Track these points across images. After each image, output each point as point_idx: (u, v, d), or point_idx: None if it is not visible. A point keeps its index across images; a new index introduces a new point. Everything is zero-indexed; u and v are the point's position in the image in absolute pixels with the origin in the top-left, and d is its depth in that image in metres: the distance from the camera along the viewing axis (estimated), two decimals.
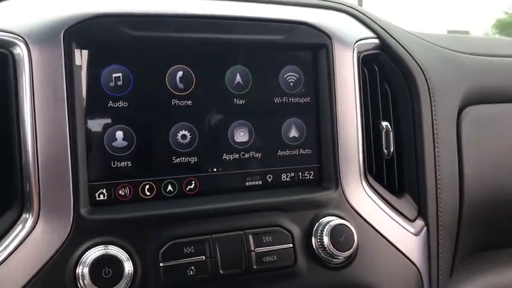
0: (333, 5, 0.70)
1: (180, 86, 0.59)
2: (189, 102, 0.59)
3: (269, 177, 0.64)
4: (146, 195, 0.58)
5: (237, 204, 0.59)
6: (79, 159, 0.54)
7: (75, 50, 0.54)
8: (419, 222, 0.70)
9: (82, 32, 0.54)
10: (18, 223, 0.52)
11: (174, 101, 0.59)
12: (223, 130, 0.61)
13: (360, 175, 0.66)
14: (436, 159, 0.72)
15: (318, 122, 0.66)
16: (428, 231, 0.71)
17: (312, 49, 0.65)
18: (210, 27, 0.60)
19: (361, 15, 0.71)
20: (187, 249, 0.56)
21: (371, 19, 0.72)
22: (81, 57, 0.55)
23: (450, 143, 0.74)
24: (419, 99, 0.71)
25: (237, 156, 0.62)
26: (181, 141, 0.59)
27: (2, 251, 0.50)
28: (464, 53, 0.85)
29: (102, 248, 0.52)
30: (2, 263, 0.50)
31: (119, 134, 0.57)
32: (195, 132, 0.60)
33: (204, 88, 0.60)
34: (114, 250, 0.52)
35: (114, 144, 0.56)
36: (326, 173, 0.65)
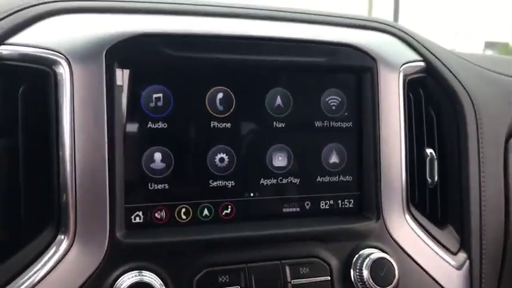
0: (378, 25, 0.68)
1: (220, 108, 0.58)
2: (228, 125, 0.58)
3: (307, 204, 0.61)
4: (182, 219, 0.57)
5: (274, 233, 0.57)
6: (117, 181, 0.52)
7: (117, 69, 0.53)
8: (462, 255, 0.67)
9: (124, 51, 0.53)
10: (53, 245, 0.51)
11: (213, 123, 0.57)
12: (262, 154, 0.60)
13: (403, 205, 0.63)
14: (481, 189, 0.68)
15: (360, 148, 0.63)
16: (471, 264, 0.67)
17: (356, 72, 0.63)
18: (252, 49, 0.58)
19: (408, 36, 0.68)
20: (222, 278, 0.54)
21: (417, 41, 0.69)
22: (122, 77, 0.54)
23: (497, 173, 0.71)
24: (465, 126, 0.68)
25: (274, 181, 0.60)
26: (219, 164, 0.58)
27: (35, 273, 0.49)
28: None
29: (137, 274, 0.51)
30: (35, 286, 0.49)
31: (157, 156, 0.55)
32: (233, 156, 0.58)
33: (244, 110, 0.59)
34: (149, 277, 0.51)
35: (152, 165, 0.55)
36: (367, 202, 0.63)
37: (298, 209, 0.61)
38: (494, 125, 0.72)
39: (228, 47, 0.57)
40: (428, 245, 0.64)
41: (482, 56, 1.02)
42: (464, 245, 0.67)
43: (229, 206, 0.58)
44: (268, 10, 0.63)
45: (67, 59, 0.51)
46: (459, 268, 0.66)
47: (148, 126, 0.55)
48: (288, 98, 0.60)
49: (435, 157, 0.66)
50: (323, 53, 0.60)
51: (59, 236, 0.51)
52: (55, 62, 0.51)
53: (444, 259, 0.65)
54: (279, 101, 0.60)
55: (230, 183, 0.58)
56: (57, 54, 0.51)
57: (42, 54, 0.51)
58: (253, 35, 0.58)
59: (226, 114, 0.58)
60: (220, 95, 0.58)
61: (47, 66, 0.52)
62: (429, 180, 0.66)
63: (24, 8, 0.54)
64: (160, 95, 0.55)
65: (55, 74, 0.52)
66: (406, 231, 0.63)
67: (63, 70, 0.51)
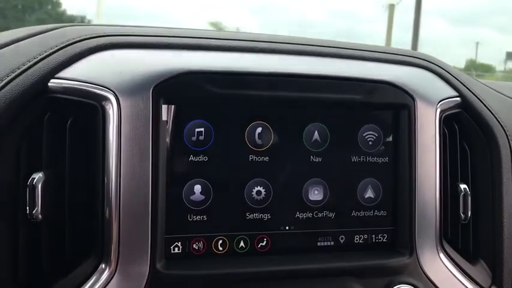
0: (415, 61, 0.68)
1: (259, 142, 0.59)
2: (266, 158, 0.59)
3: (341, 238, 0.62)
4: (219, 250, 0.58)
5: (309, 267, 0.58)
6: (159, 212, 0.54)
7: (163, 105, 0.55)
8: None
9: (170, 88, 0.55)
10: (95, 273, 0.52)
11: (252, 157, 0.59)
12: (298, 187, 0.60)
13: (436, 241, 0.63)
14: None
15: (396, 183, 0.64)
16: None
17: (393, 109, 0.63)
18: (290, 85, 0.59)
19: (444, 72, 0.69)
20: None
21: (454, 76, 0.69)
22: (167, 112, 0.55)
23: None
24: (500, 162, 0.68)
25: (310, 215, 0.61)
26: (256, 197, 0.59)
27: None
28: None
29: None
30: None
31: (197, 188, 0.57)
32: (270, 189, 0.59)
33: (282, 144, 0.60)
34: None
35: (192, 197, 0.57)
36: (401, 237, 0.63)
37: (332, 243, 0.62)
38: None
39: (269, 84, 0.58)
40: (460, 281, 0.64)
41: None
42: (496, 280, 0.67)
43: (265, 239, 0.59)
44: (305, 45, 0.64)
45: (115, 94, 0.53)
46: None
47: (190, 159, 0.57)
48: (325, 133, 0.61)
49: (469, 192, 0.66)
50: (360, 91, 0.61)
51: (101, 265, 0.53)
52: (103, 97, 0.53)
53: None
54: (316, 135, 0.61)
55: (266, 216, 0.59)
56: (106, 89, 0.53)
57: (91, 89, 0.53)
58: (292, 73, 0.59)
59: (264, 148, 0.59)
60: (259, 130, 0.59)
61: (96, 100, 0.53)
62: (462, 216, 0.66)
63: (75, 42, 0.56)
64: (202, 129, 0.57)
65: (103, 109, 0.53)
66: (439, 267, 0.63)
67: (111, 105, 0.53)
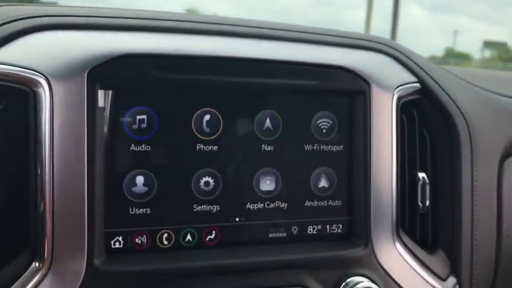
0: (373, 45, 0.65)
1: (207, 130, 0.56)
2: (215, 148, 0.56)
3: (294, 229, 0.60)
4: (164, 245, 0.55)
5: (259, 260, 0.56)
6: (96, 206, 0.51)
7: (99, 90, 0.51)
8: (452, 280, 0.65)
9: (107, 72, 0.51)
10: (26, 273, 0.49)
11: (199, 146, 0.56)
12: (249, 177, 0.58)
13: (392, 231, 0.62)
14: (473, 213, 0.67)
15: (351, 172, 0.61)
16: None
17: (348, 95, 0.61)
18: (240, 70, 0.56)
19: (403, 57, 0.66)
20: None
21: (413, 61, 0.67)
22: (104, 98, 0.52)
23: (489, 197, 0.69)
24: (459, 149, 0.66)
25: (261, 205, 0.58)
26: (204, 188, 0.56)
27: None
28: (509, 97, 0.80)
29: None
30: None
31: (139, 179, 0.54)
32: (219, 179, 0.56)
33: (232, 133, 0.57)
34: None
35: (133, 189, 0.53)
36: (356, 228, 0.61)
37: (284, 234, 0.59)
38: (489, 147, 0.70)
39: (216, 68, 0.55)
40: (417, 272, 0.63)
41: (479, 72, 1.00)
42: (455, 270, 0.66)
43: (214, 231, 0.57)
44: (256, 27, 0.61)
45: (47, 78, 0.49)
46: None
47: (131, 149, 0.53)
48: (278, 121, 0.58)
49: (427, 181, 0.65)
50: (314, 76, 0.58)
51: (33, 263, 0.49)
52: (35, 82, 0.49)
53: (433, 285, 0.63)
54: (268, 123, 0.58)
55: (215, 208, 0.56)
56: (37, 73, 0.49)
57: (21, 74, 0.49)
58: (242, 57, 0.56)
59: (213, 137, 0.56)
60: (207, 117, 0.56)
61: (26, 86, 0.50)
62: (420, 205, 0.64)
63: (5, 23, 0.52)
64: (144, 116, 0.53)
65: (35, 95, 0.50)
66: (395, 258, 0.62)
67: (42, 91, 0.49)
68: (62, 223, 0.49)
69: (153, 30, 0.55)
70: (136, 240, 0.54)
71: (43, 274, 0.49)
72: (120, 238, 0.53)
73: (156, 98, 0.54)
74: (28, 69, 0.49)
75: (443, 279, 0.65)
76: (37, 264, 0.49)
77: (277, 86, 0.58)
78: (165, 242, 0.55)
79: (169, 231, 0.55)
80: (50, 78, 0.49)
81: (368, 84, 0.60)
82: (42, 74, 0.49)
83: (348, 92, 0.61)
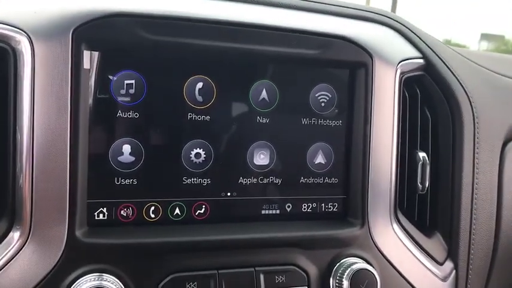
0: (376, 17, 0.62)
1: (199, 98, 0.53)
2: (207, 118, 0.53)
3: (288, 207, 0.57)
4: (150, 218, 0.52)
5: (250, 237, 0.53)
6: (79, 174, 0.48)
7: (84, 51, 0.48)
8: (448, 265, 0.63)
9: (93, 32, 0.48)
10: (4, 241, 0.46)
11: (191, 115, 0.52)
12: (242, 151, 0.55)
13: (390, 211, 0.59)
14: (473, 196, 0.64)
15: (349, 149, 0.59)
16: (457, 275, 0.64)
17: (349, 67, 0.58)
18: (237, 36, 0.53)
19: (407, 30, 0.63)
20: (190, 285, 0.50)
21: (417, 35, 0.64)
22: (90, 60, 0.48)
23: (490, 180, 0.67)
24: (462, 129, 0.64)
25: (254, 180, 0.55)
26: (195, 160, 0.53)
27: None
28: None
29: (96, 277, 0.47)
30: None
31: (126, 148, 0.51)
32: (211, 151, 0.53)
33: (225, 103, 0.54)
34: (109, 281, 0.47)
35: (119, 158, 0.50)
36: (352, 207, 0.58)
37: (278, 211, 0.57)
38: (492, 128, 0.68)
39: (211, 32, 0.52)
40: (413, 254, 0.60)
41: (484, 54, 0.97)
42: (452, 254, 0.64)
43: (203, 206, 0.54)
44: None
45: (29, 36, 0.46)
46: (444, 279, 0.62)
47: (118, 115, 0.50)
48: (274, 92, 0.55)
49: (428, 161, 0.62)
50: (315, 45, 0.55)
51: (11, 233, 0.46)
52: (15, 39, 0.46)
53: (430, 269, 0.61)
54: (264, 94, 0.55)
55: (206, 181, 0.54)
56: (17, 30, 0.46)
57: (0, 30, 0.46)
58: (239, 21, 0.53)
59: (205, 106, 0.53)
60: (199, 85, 0.53)
61: (5, 43, 0.46)
62: (420, 186, 0.62)
63: None
64: (133, 81, 0.50)
65: (14, 53, 0.46)
66: (392, 239, 0.59)
67: (23, 48, 0.46)
68: (41, 190, 0.46)
69: None
70: (122, 212, 0.51)
71: (22, 242, 0.46)
72: (105, 209, 0.50)
73: (146, 62, 0.51)
74: (7, 25, 0.46)
75: (440, 264, 0.63)
76: (16, 233, 0.46)
77: (274, 55, 0.54)
78: (152, 216, 0.52)
79: (156, 204, 0.52)
80: (31, 36, 0.46)
81: (371, 56, 0.57)
82: (23, 31, 0.46)
83: (350, 64, 0.58)
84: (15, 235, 0.46)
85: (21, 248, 0.46)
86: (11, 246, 0.46)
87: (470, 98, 0.65)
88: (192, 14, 0.51)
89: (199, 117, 0.53)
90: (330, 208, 0.59)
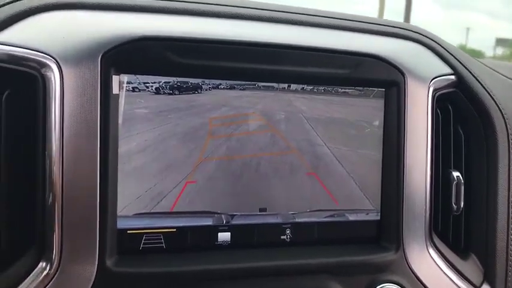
0: (406, 33, 0.61)
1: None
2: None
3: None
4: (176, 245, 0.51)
5: (280, 264, 0.51)
6: (109, 202, 0.47)
7: (113, 76, 0.47)
8: None
9: (122, 56, 0.47)
10: (33, 273, 0.45)
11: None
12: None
13: (425, 234, 0.57)
14: (509, 215, 0.62)
15: (382, 170, 0.57)
16: None
17: (381, 86, 0.56)
18: (267, 58, 0.52)
19: (438, 46, 0.62)
20: None
21: (449, 51, 0.62)
22: (119, 85, 0.48)
23: None
24: (496, 148, 0.61)
25: None
26: None
27: None
28: None
29: None
30: None
31: None
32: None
33: None
34: None
35: None
36: (386, 229, 0.57)
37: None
38: None
39: (241, 54, 0.51)
40: (450, 279, 0.58)
41: (508, 65, 0.94)
42: (489, 276, 0.62)
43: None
44: (281, 11, 0.56)
45: (57, 61, 0.45)
46: None
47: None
48: None
49: (462, 181, 0.60)
50: (345, 65, 0.54)
51: (41, 263, 0.45)
52: (44, 65, 0.45)
53: None
54: None
55: None
56: (46, 56, 0.45)
57: (29, 56, 0.45)
58: (267, 42, 0.52)
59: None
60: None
61: (35, 69, 0.46)
62: (454, 206, 0.60)
63: (12, 1, 0.48)
64: None
65: (44, 79, 0.46)
66: (428, 263, 0.57)
67: (52, 74, 0.45)
68: (71, 219, 0.45)
69: (171, 12, 0.51)
70: (149, 240, 0.50)
71: (51, 275, 0.45)
72: (133, 237, 0.49)
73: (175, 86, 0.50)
74: (36, 51, 0.45)
75: (478, 287, 0.60)
76: (44, 264, 0.45)
77: (306, 76, 0.53)
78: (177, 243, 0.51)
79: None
80: (60, 61, 0.45)
81: (403, 75, 0.56)
82: (51, 57, 0.45)
83: (382, 83, 0.56)
84: (44, 266, 0.45)
85: (51, 280, 0.45)
86: (40, 278, 0.45)
87: (504, 115, 0.63)
88: (220, 36, 0.50)
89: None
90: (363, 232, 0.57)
